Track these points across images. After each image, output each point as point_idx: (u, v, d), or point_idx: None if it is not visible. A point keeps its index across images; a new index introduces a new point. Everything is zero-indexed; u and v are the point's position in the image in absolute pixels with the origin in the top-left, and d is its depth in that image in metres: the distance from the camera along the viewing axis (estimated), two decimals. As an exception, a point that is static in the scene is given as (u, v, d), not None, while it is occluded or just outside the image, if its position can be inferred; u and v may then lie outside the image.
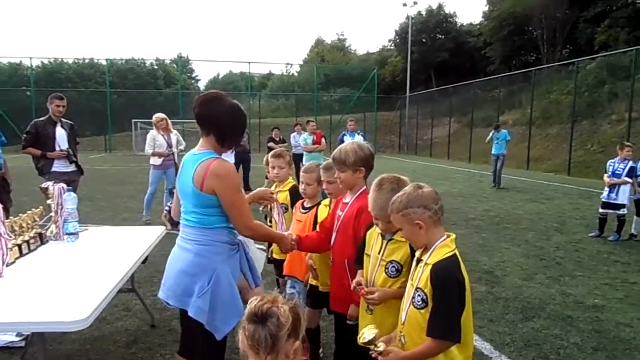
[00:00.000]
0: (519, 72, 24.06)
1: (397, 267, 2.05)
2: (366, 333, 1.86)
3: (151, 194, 7.51)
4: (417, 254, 1.90)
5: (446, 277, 1.73)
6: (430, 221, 1.79)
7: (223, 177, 2.06)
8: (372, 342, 1.83)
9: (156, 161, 7.44)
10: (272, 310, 1.24)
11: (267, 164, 3.56)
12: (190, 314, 2.10)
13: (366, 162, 2.39)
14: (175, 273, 2.17)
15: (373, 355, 1.83)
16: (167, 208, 8.12)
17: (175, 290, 2.17)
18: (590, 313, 4.09)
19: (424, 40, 37.62)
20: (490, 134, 13.31)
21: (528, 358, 3.28)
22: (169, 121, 7.70)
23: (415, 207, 1.79)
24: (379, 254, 2.11)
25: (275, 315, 1.24)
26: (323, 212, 2.78)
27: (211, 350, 2.14)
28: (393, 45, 43.27)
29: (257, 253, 2.64)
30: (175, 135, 7.73)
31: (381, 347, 1.82)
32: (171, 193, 7.85)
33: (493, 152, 13.03)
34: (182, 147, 7.74)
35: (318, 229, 2.65)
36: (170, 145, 7.47)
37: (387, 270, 2.07)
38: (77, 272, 2.56)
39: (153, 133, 7.47)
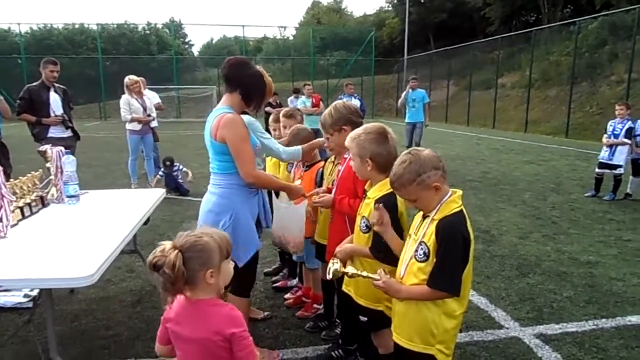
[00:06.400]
0: (518, 32, 23.59)
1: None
2: (331, 267, 1.95)
3: (133, 160, 7.31)
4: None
5: (452, 232, 1.71)
6: (442, 180, 1.78)
7: (231, 127, 2.35)
8: (337, 272, 1.92)
9: (135, 126, 7.14)
10: (159, 262, 1.45)
11: (276, 121, 3.61)
12: None
13: (359, 114, 2.57)
14: (204, 213, 2.52)
15: (348, 276, 1.93)
16: (161, 173, 8.15)
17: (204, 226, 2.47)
18: (584, 269, 4.19)
19: (422, 1, 36.67)
20: (404, 94, 10.14)
21: (522, 311, 3.38)
22: (142, 84, 7.40)
23: (428, 171, 1.75)
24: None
25: (161, 265, 1.44)
26: (327, 168, 2.81)
27: (238, 277, 2.26)
28: (390, 6, 42.23)
29: (298, 212, 2.81)
30: (148, 99, 7.43)
31: (349, 269, 1.93)
32: (156, 163, 7.78)
33: (407, 120, 10.08)
34: (153, 115, 7.43)
35: (325, 185, 2.72)
36: (145, 109, 7.22)
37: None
38: (80, 232, 2.60)
39: (126, 97, 7.10)
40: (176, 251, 1.47)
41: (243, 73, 2.47)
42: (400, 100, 10.33)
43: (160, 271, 1.45)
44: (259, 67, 2.57)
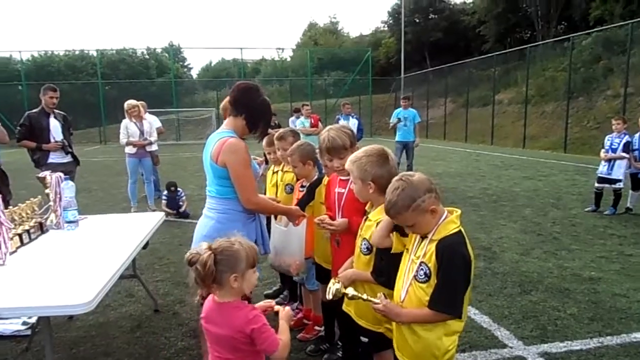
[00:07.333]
0: (513, 49, 23.89)
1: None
2: (332, 287, 1.97)
3: (133, 184, 7.36)
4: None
5: (451, 254, 1.69)
6: (437, 202, 1.76)
7: (233, 153, 2.34)
8: (338, 292, 1.96)
9: (130, 149, 7.24)
10: (193, 259, 1.66)
11: (269, 144, 3.59)
12: None
13: (355, 138, 2.58)
14: (200, 237, 2.44)
15: (348, 297, 1.96)
16: (164, 196, 8.18)
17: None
18: (586, 285, 4.15)
19: (417, 20, 37.26)
20: (396, 113, 10.07)
21: (526, 329, 3.34)
22: (142, 108, 7.48)
23: (422, 195, 1.73)
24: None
25: (195, 262, 1.65)
26: (322, 190, 2.80)
27: None
28: (386, 26, 42.88)
29: (297, 233, 2.80)
30: (148, 123, 7.49)
31: (349, 291, 1.95)
32: (156, 186, 7.81)
33: (398, 139, 9.92)
34: (152, 139, 7.44)
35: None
36: (142, 133, 7.27)
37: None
38: (79, 258, 2.59)
39: (125, 121, 7.25)
40: (209, 252, 1.66)
41: (252, 99, 2.45)
42: (393, 121, 10.26)
43: (193, 267, 1.65)
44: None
